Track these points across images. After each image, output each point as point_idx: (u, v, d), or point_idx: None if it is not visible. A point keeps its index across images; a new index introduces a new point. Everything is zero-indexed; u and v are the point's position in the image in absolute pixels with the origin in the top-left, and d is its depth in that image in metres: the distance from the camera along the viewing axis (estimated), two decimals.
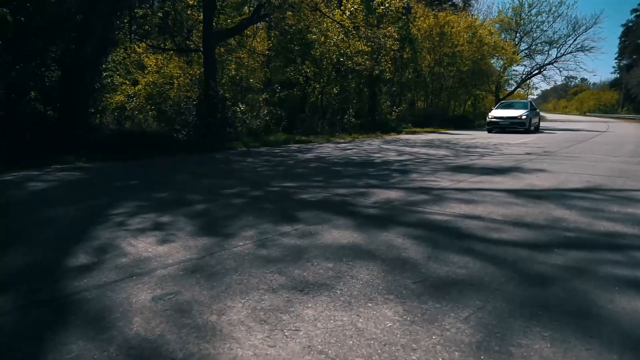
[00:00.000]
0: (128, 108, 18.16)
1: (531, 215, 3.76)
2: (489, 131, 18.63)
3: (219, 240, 3.07)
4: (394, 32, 18.45)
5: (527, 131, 17.78)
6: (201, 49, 14.35)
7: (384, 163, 7.66)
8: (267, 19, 14.85)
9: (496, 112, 19.02)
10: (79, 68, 10.13)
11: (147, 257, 2.71)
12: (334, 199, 4.50)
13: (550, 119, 52.70)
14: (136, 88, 18.38)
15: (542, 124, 31.57)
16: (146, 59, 18.41)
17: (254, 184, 5.48)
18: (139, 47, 17.39)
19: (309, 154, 9.38)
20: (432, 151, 10.00)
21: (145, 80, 18.11)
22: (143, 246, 2.94)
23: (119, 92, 18.41)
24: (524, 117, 17.98)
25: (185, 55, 17.52)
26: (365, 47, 16.40)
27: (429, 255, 2.71)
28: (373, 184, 5.45)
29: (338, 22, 16.21)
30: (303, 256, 2.72)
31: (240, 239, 3.10)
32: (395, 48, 17.57)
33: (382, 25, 17.51)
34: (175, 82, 17.93)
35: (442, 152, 9.86)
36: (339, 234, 3.21)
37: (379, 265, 2.56)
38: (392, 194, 4.74)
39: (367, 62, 16.90)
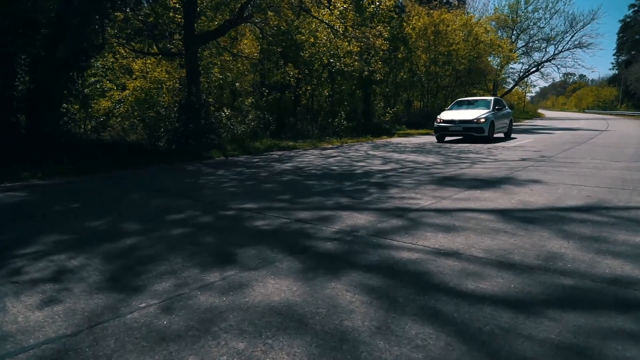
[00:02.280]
0: (116, 114, 17.57)
1: (520, 250, 3.09)
2: (438, 139, 14.39)
3: (120, 298, 2.41)
4: (385, 31, 17.80)
5: (488, 139, 13.28)
6: (183, 52, 13.71)
7: (365, 175, 6.99)
8: (249, 20, 14.18)
9: (447, 114, 14.19)
10: (52, 72, 9.50)
11: (6, 333, 2.05)
12: (290, 228, 3.84)
13: (549, 116, 52.08)
14: (124, 93, 17.78)
15: (540, 123, 30.84)
16: (133, 63, 17.82)
17: (208, 205, 4.82)
18: (125, 51, 16.77)
19: (288, 164, 8.71)
20: (420, 158, 9.33)
21: (133, 85, 17.51)
22: (17, 310, 2.28)
23: (106, 98, 17.82)
24: (482, 119, 13.12)
25: (170, 59, 16.91)
26: (354, 47, 15.73)
27: (379, 325, 2.05)
28: (344, 203, 4.78)
29: (325, 22, 15.54)
30: (212, 329, 2.05)
31: (147, 295, 2.43)
32: (385, 48, 16.86)
33: (371, 24, 16.80)
34: (164, 86, 17.29)
35: (431, 158, 9.19)
36: (275, 285, 2.55)
37: (306, 345, 1.89)
38: (361, 219, 4.07)
39: (356, 63, 16.23)
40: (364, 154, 10.43)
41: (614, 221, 3.88)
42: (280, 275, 2.70)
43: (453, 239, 3.39)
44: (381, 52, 17.31)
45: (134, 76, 17.77)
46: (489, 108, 14.09)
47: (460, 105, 15.44)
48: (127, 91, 17.75)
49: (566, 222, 3.86)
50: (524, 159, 8.75)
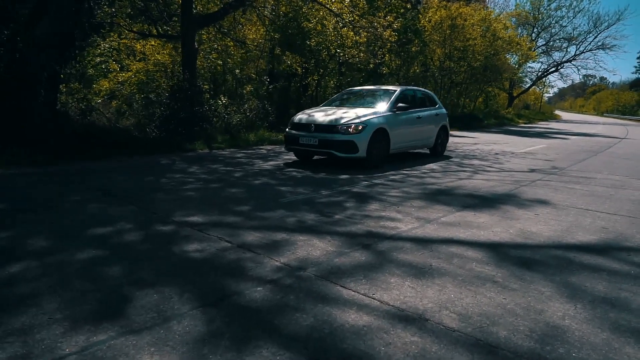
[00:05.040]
0: (118, 96, 16.96)
1: (509, 318, 2.29)
2: (288, 150, 8.25)
3: None
4: (397, 22, 16.80)
5: (369, 163, 7.38)
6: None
7: (349, 181, 6.18)
8: (249, 4, 13.32)
9: (307, 114, 7.94)
10: (32, 50, 8.79)
11: None
12: (226, 257, 3.06)
13: (566, 118, 50.42)
14: (126, 75, 17.14)
15: (556, 126, 29.21)
16: (137, 44, 17.18)
17: (147, 216, 4.06)
18: (125, 32, 16.10)
19: (271, 162, 7.93)
20: (417, 162, 8.47)
21: (136, 67, 16.87)
22: None
23: (109, 79, 17.21)
24: (351, 127, 7.12)
25: (168, 41, 16.18)
26: (360, 38, 14.80)
27: None
28: (307, 222, 3.99)
29: (331, 10, 14.60)
30: None
31: None
32: (393, 39, 15.88)
33: (379, 14, 15.82)
34: (168, 70, 16.59)
35: (430, 164, 8.33)
36: None
37: None
38: (319, 248, 3.29)
39: (362, 54, 15.30)
40: None
41: (638, 272, 3.04)
42: (165, 349, 1.93)
43: (423, 291, 2.59)
44: (389, 44, 16.30)
45: (137, 58, 17.13)
46: (386, 105, 7.92)
47: (345, 99, 9.06)
48: (130, 73, 17.10)
49: (575, 269, 3.03)
50: (532, 170, 7.85)
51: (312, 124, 7.42)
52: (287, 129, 7.95)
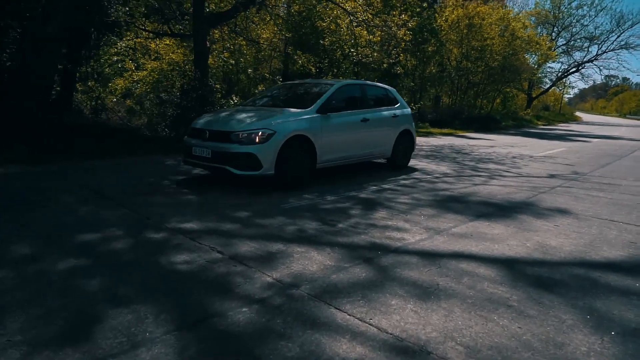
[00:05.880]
0: (133, 94, 17.01)
1: (525, 352, 2.00)
2: (185, 164, 6.00)
3: None
4: (412, 21, 16.43)
5: (283, 182, 5.39)
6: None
7: (357, 186, 5.91)
8: (259, 2, 13.12)
9: (205, 118, 6.00)
10: (38, 48, 8.74)
11: None
12: (215, 271, 2.83)
13: (587, 120, 49.16)
14: (141, 74, 17.19)
15: (576, 128, 28.31)
16: (152, 43, 17.22)
17: (140, 221, 3.86)
18: (138, 32, 16.13)
19: None
20: (431, 166, 8.14)
21: (151, 66, 16.92)
22: None
23: (124, 78, 17.28)
24: (263, 134, 5.15)
25: (181, 41, 16.15)
26: (374, 37, 14.48)
27: None
28: (308, 231, 3.74)
29: (344, 9, 14.33)
30: None
31: None
32: (407, 39, 15.51)
33: (394, 13, 15.48)
34: (187, 68, 16.59)
35: (443, 167, 8.00)
36: None
37: None
38: (316, 262, 3.03)
39: (375, 54, 14.98)
40: None
41: None
42: None
43: (427, 316, 2.31)
44: (403, 44, 15.93)
45: (152, 57, 17.17)
46: (313, 105, 5.88)
47: (274, 96, 7.16)
48: (145, 72, 17.13)
49: (600, 292, 2.71)
50: (552, 175, 7.46)
51: (207, 130, 5.44)
52: (186, 138, 5.83)
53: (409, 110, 7.78)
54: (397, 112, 7.37)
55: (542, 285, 2.76)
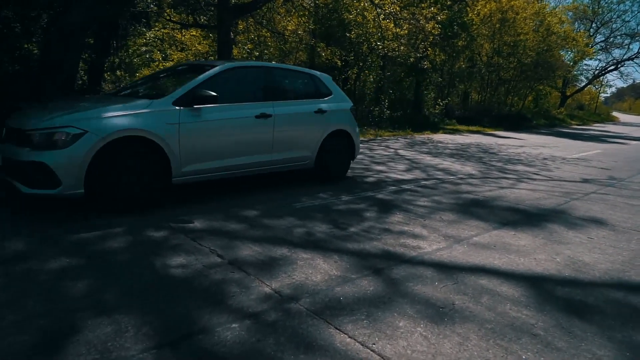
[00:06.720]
0: None
1: None
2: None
3: None
4: (441, 14, 15.87)
5: (109, 202, 3.72)
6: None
7: (374, 185, 5.63)
8: None
9: (47, 110, 4.00)
10: (62, 37, 8.77)
11: None
12: (210, 278, 2.63)
13: (624, 121, 46.99)
14: (168, 65, 17.33)
15: (613, 129, 26.85)
16: (179, 34, 17.31)
17: (144, 217, 3.70)
18: (164, 21, 16.23)
19: None
20: (456, 166, 7.76)
21: (177, 57, 17.05)
22: None
23: (151, 69, 17.46)
24: (60, 135, 3.47)
25: (206, 31, 16.14)
26: (401, 30, 14.04)
27: None
28: (316, 235, 3.50)
29: (371, 1, 13.92)
30: None
31: None
32: (436, 32, 14.98)
33: (422, 5, 14.98)
34: (212, 58, 16.66)
35: (468, 167, 7.61)
36: None
37: None
38: (320, 271, 2.79)
39: (403, 48, 14.53)
40: (392, 154, 8.97)
41: None
42: None
43: (438, 343, 2.04)
44: (431, 37, 15.41)
45: (179, 48, 17.28)
46: (174, 94, 4.17)
47: (154, 80, 5.55)
48: (171, 62, 17.29)
49: None
50: (586, 180, 6.98)
51: (7, 127, 3.95)
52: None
53: (348, 104, 5.98)
54: (325, 105, 5.59)
55: (573, 311, 2.45)
